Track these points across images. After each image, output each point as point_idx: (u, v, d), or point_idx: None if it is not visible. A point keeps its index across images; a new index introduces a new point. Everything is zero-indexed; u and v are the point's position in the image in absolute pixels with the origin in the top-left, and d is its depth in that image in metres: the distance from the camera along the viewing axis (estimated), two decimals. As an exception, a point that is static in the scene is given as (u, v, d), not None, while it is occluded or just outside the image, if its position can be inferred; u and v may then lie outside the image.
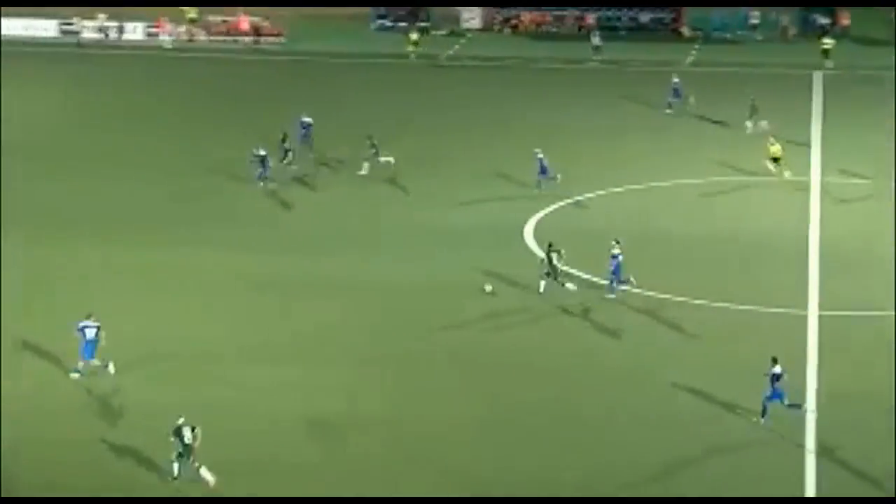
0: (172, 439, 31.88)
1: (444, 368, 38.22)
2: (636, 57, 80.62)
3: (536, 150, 53.58)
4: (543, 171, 52.72)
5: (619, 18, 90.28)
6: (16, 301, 41.57)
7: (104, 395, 35.82)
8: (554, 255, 42.57)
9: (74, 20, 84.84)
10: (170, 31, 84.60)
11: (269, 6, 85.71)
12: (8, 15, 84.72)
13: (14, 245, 46.63)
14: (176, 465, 31.86)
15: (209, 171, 55.78)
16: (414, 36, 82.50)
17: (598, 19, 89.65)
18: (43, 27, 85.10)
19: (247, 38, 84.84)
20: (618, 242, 42.88)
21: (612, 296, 42.60)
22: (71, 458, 33.03)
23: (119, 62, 79.20)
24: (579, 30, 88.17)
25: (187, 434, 31.80)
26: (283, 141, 55.33)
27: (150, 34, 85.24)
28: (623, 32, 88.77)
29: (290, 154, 55.11)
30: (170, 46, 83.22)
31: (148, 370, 37.52)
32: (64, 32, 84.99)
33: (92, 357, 36.77)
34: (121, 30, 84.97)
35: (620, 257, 42.43)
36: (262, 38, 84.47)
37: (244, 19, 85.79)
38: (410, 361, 38.55)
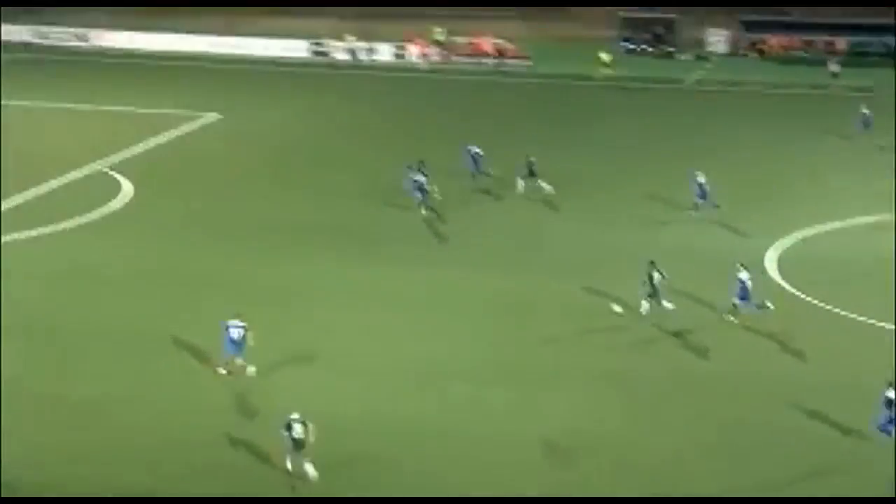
0: (284, 433, 32.77)
1: (654, 389, 38.45)
2: (882, 84, 79.00)
3: (697, 172, 53.13)
4: (703, 195, 52.47)
5: (870, 44, 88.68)
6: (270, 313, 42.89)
7: (329, 409, 36.39)
8: (655, 275, 42.55)
9: (324, 41, 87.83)
10: (417, 52, 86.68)
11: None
12: (257, 35, 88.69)
13: (248, 258, 48.37)
14: (288, 460, 32.72)
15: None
16: (605, 56, 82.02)
17: (850, 44, 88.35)
18: (295, 48, 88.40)
19: (491, 60, 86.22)
20: (744, 267, 43.00)
21: (733, 318, 42.45)
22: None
23: (363, 82, 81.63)
24: (827, 55, 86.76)
25: (297, 428, 32.64)
26: (419, 169, 53.50)
27: (397, 55, 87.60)
28: (874, 58, 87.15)
29: (422, 179, 52.85)
30: (421, 67, 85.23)
31: (372, 385, 38.42)
32: (315, 53, 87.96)
33: (236, 354, 38.02)
34: (370, 51, 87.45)
35: (749, 282, 42.46)
36: (507, 61, 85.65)
37: (486, 41, 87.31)
38: (629, 382, 38.74)
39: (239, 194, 56.74)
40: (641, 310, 42.41)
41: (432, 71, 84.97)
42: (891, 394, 34.08)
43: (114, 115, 70.93)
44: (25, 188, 56.05)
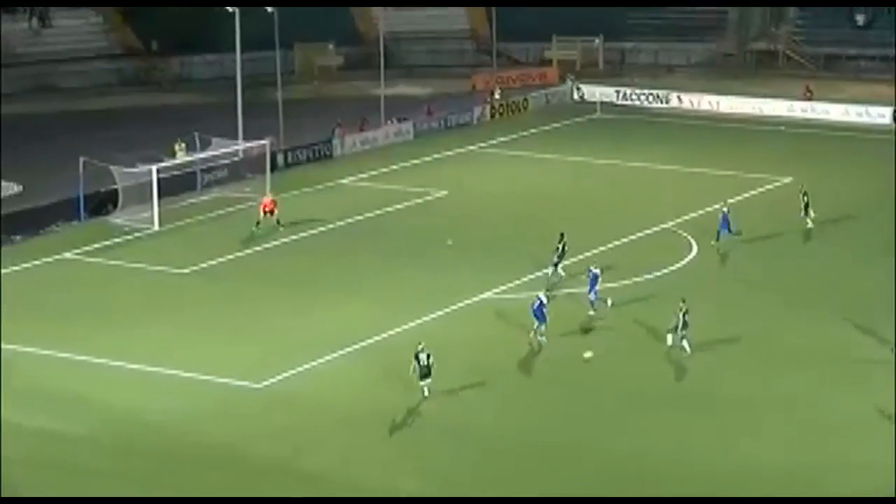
0: (413, 363, 40.86)
1: None
2: None
3: None
4: None
5: None
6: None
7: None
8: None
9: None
10: None
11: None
12: (837, 100, 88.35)
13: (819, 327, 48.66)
14: (422, 385, 41.12)
15: None
16: None
17: None
18: (877, 114, 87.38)
19: None
20: None
21: None
22: None
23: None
24: None
25: (423, 357, 40.97)
26: (560, 241, 53.81)
27: None
28: None
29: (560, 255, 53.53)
30: None
31: None
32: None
33: (541, 322, 45.93)
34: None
35: None
36: None
37: None
38: None
39: (809, 256, 57.09)
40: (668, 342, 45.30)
41: None
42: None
43: (690, 175, 72.77)
44: (601, 242, 58.82)
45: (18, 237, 59.74)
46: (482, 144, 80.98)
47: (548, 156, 77.91)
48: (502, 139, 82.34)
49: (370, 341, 47.07)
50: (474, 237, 60.33)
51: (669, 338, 45.37)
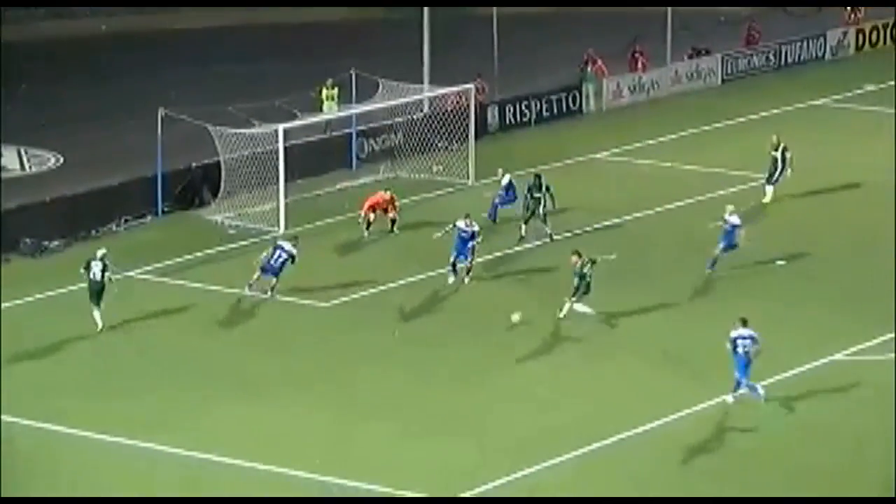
0: (82, 271, 52.84)
1: None
2: None
3: None
4: None
5: None
6: None
7: None
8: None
9: None
10: None
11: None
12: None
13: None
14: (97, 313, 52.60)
15: None
16: None
17: None
18: None
19: None
20: None
21: None
22: None
23: None
24: None
25: (95, 268, 52.00)
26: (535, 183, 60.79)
27: None
28: None
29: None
30: None
31: None
32: None
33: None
34: None
35: None
36: None
37: None
38: None
39: None
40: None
41: None
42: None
43: None
44: None
45: (56, 242, 61.28)
46: (837, 97, 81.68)
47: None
48: (871, 87, 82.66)
49: (643, 429, 46.91)
50: (823, 259, 60.66)
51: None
